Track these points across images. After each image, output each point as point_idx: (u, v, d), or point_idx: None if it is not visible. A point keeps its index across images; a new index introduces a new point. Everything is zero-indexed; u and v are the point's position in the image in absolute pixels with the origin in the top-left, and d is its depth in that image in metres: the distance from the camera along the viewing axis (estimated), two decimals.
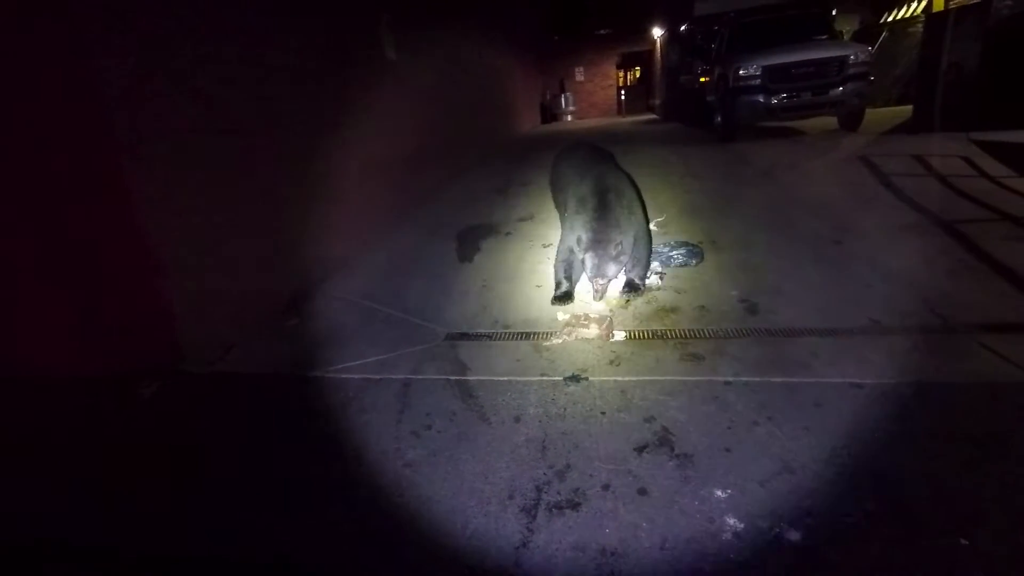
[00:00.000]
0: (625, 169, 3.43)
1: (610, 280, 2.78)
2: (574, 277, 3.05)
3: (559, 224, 3.32)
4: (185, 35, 2.67)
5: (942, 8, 6.67)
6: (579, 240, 2.74)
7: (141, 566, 1.65)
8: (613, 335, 2.61)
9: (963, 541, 1.40)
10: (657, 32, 16.36)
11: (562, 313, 2.91)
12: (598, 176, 2.98)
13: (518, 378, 2.38)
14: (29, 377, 2.74)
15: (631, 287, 3.08)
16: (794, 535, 1.46)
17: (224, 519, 1.75)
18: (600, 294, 2.76)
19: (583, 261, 2.74)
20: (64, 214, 2.46)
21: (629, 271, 3.04)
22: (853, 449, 1.76)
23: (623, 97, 19.73)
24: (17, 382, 2.72)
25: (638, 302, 3.02)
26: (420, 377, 2.46)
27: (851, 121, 7.81)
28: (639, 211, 3.01)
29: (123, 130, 2.32)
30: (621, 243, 2.70)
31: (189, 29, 2.70)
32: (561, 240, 3.05)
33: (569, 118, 19.17)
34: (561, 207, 3.36)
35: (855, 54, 7.36)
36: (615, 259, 2.70)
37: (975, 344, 2.30)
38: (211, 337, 2.78)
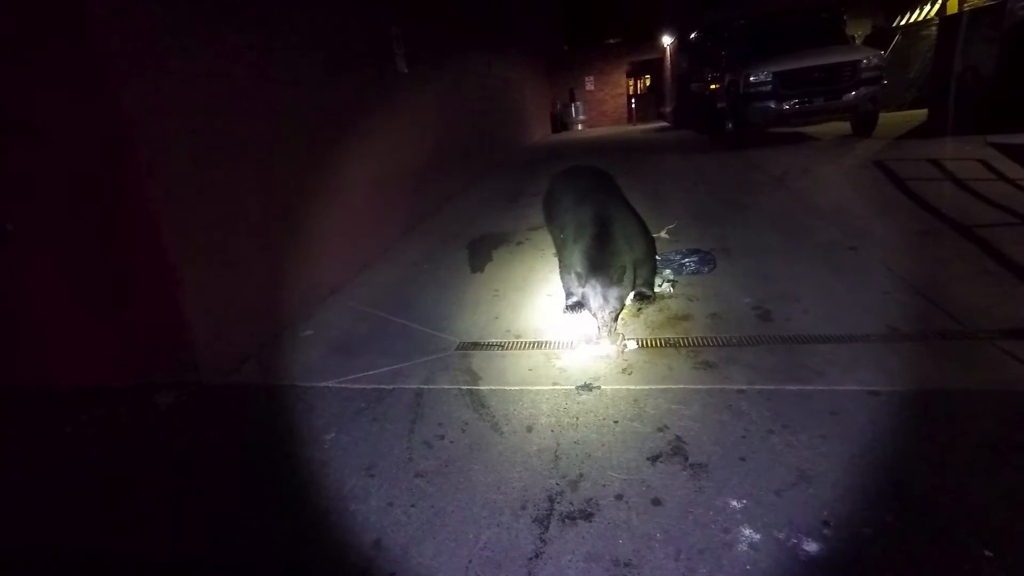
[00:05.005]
0: (635, 177, 3.42)
1: (616, 313, 2.54)
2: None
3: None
4: (201, 54, 2.74)
5: (956, 11, 6.62)
6: (578, 275, 2.56)
7: (146, 572, 1.67)
8: (625, 347, 2.59)
9: (987, 553, 1.37)
10: (667, 40, 16.39)
11: (574, 323, 2.90)
12: (594, 204, 2.83)
13: (530, 387, 2.38)
14: (49, 387, 2.80)
15: (641, 297, 3.08)
16: (812, 546, 1.44)
17: (235, 528, 1.77)
18: (605, 329, 2.50)
19: (583, 295, 2.56)
20: (84, 227, 2.52)
21: (638, 286, 3.02)
22: (871, 458, 1.73)
23: (634, 105, 19.72)
24: (37, 392, 2.78)
25: (649, 310, 3.00)
26: (432, 387, 2.47)
27: (865, 126, 7.75)
28: (639, 237, 2.86)
29: (140, 145, 2.37)
30: (622, 274, 2.52)
31: (205, 48, 2.77)
32: (561, 260, 2.97)
33: (580, 127, 19.19)
34: (557, 235, 3.13)
35: (867, 58, 7.32)
36: (616, 295, 2.50)
37: (997, 351, 2.25)
38: (227, 349, 2.81)
